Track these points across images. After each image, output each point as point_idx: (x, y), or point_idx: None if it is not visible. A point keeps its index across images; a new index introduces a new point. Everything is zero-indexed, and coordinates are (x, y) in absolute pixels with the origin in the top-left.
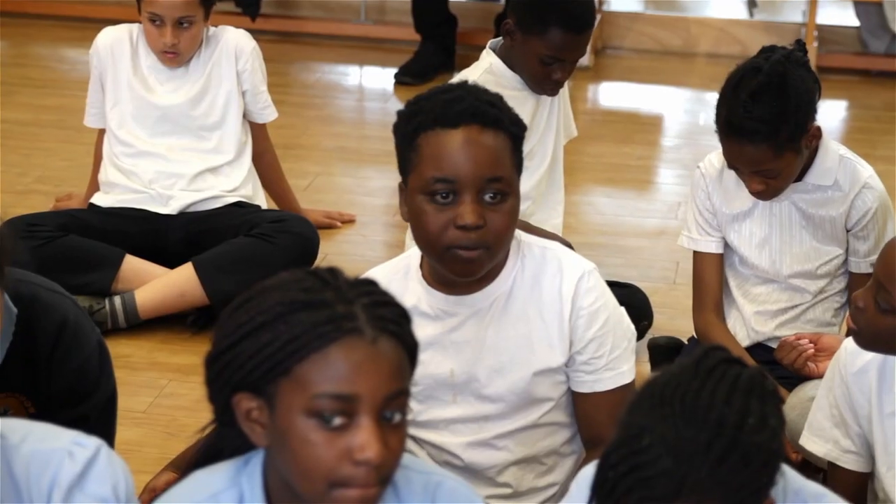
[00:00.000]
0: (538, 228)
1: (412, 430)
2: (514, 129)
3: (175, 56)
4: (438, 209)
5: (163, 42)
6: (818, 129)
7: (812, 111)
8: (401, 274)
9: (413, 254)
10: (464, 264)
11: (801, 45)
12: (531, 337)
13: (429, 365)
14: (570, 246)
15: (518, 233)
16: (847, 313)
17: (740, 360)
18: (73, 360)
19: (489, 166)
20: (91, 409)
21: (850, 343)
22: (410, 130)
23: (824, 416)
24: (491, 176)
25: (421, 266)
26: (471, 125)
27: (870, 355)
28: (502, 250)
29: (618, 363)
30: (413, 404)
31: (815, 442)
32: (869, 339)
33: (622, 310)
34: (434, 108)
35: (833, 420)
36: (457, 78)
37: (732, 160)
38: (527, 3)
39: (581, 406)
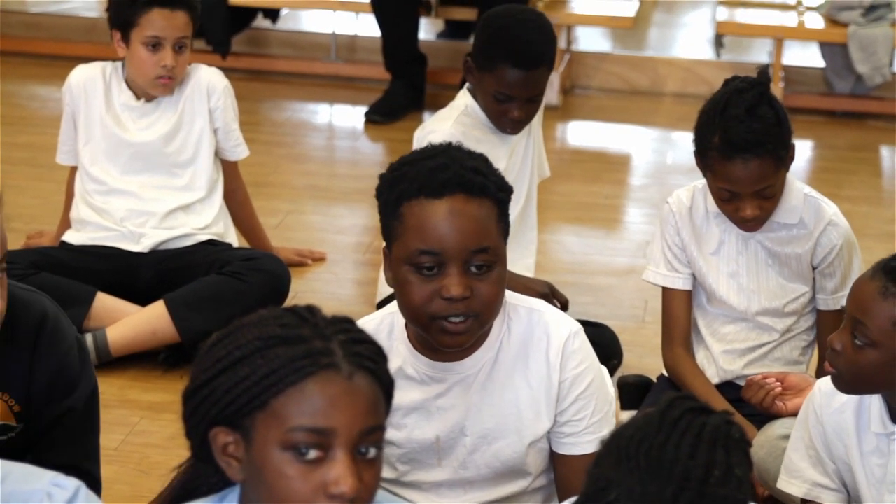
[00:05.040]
0: (519, 276)
1: (400, 490)
2: (500, 195)
3: (170, 81)
4: (424, 280)
5: (162, 66)
6: (793, 147)
7: (791, 125)
8: (385, 332)
9: (397, 310)
10: (451, 336)
11: (765, 70)
12: (518, 404)
13: (414, 430)
14: (551, 287)
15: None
16: (815, 352)
17: (705, 408)
18: (55, 353)
19: (475, 237)
20: (77, 401)
21: (824, 384)
22: (394, 198)
23: (800, 458)
24: (477, 247)
25: (406, 327)
26: (456, 195)
27: (846, 395)
28: (491, 319)
29: (599, 427)
30: (398, 465)
31: (794, 484)
32: (850, 380)
33: (605, 373)
34: (418, 176)
35: (810, 460)
36: (433, 119)
37: (734, 184)
38: (481, 39)
39: (559, 469)
